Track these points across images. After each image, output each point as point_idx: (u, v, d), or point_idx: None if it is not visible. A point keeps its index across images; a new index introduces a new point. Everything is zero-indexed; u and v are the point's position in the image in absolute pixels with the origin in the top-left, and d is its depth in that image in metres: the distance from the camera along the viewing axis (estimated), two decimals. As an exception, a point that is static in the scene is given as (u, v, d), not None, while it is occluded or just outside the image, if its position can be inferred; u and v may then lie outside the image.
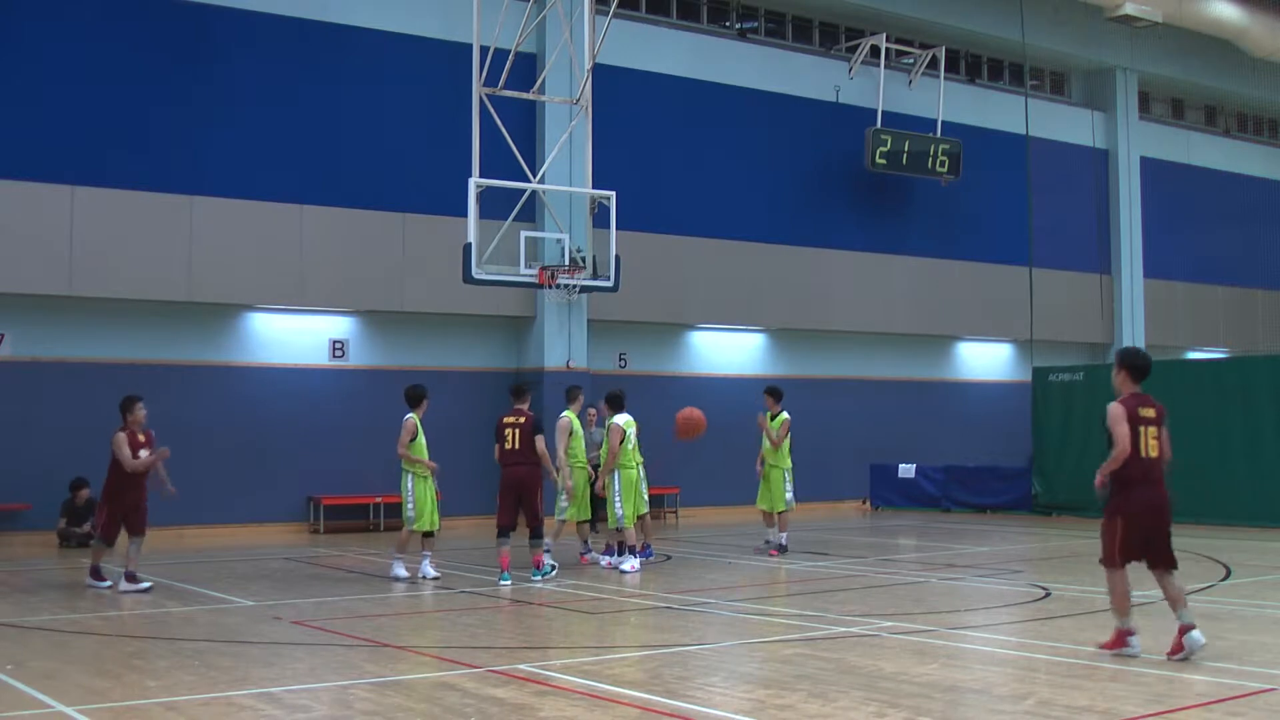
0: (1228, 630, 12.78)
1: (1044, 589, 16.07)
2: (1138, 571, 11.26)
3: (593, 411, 20.25)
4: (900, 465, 30.43)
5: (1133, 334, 36.33)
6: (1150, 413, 11.22)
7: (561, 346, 26.81)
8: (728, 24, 30.74)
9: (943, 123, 32.39)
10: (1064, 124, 36.05)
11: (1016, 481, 29.04)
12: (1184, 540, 21.70)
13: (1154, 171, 37.50)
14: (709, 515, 28.52)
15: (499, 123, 23.54)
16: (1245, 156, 40.68)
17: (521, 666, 10.44)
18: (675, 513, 28.70)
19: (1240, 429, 25.62)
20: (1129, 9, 32.91)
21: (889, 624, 12.90)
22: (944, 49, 32.63)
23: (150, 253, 23.71)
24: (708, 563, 19.71)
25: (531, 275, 23.62)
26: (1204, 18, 34.95)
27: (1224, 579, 17.12)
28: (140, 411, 16.68)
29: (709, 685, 10.00)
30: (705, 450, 28.31)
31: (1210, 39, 35.93)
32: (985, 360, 34.74)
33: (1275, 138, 42.25)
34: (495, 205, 23.72)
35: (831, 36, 32.36)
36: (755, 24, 31.26)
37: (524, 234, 24.09)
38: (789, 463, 20.64)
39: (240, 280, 24.56)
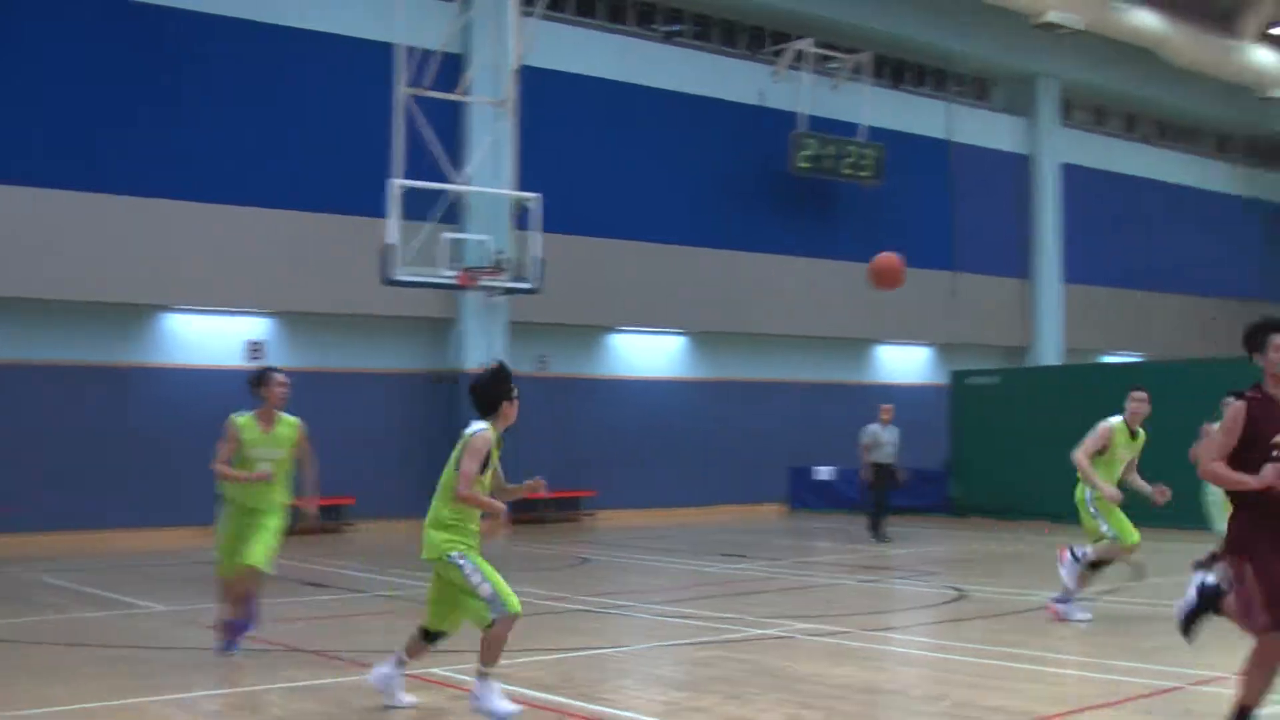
0: (1138, 630, 12.92)
1: (960, 591, 16.16)
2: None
3: None
4: (819, 468, 30.54)
5: (1051, 338, 36.65)
6: None
7: (482, 348, 26.69)
8: (654, 26, 30.74)
9: (867, 127, 32.52)
10: (987, 130, 36.32)
11: (935, 484, 29.23)
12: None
13: (1075, 178, 37.83)
14: (627, 518, 28.51)
15: (423, 124, 23.45)
16: (1165, 164, 41.12)
17: (435, 670, 10.37)
18: (593, 515, 28.63)
19: (1154, 433, 25.82)
20: (1052, 16, 33.20)
21: (805, 626, 12.93)
22: (869, 54, 32.78)
23: (63, 252, 23.35)
24: (625, 565, 19.69)
25: (453, 277, 23.57)
26: (1125, 26, 35.30)
27: (1134, 579, 17.25)
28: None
29: (623, 688, 9.98)
30: (622, 453, 28.34)
31: (1132, 47, 36.28)
32: (905, 363, 34.93)
33: (1193, 145, 42.72)
34: (419, 206, 23.65)
35: (757, 40, 32.42)
36: (681, 27, 31.27)
37: (446, 236, 24.03)
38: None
39: (156, 280, 24.25)
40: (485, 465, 8.66)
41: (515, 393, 8.94)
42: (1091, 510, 13.84)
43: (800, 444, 31.27)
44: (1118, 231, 38.97)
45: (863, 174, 32.14)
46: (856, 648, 11.79)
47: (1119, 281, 38.91)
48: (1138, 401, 13.74)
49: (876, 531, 23.32)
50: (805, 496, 30.86)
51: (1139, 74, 37.70)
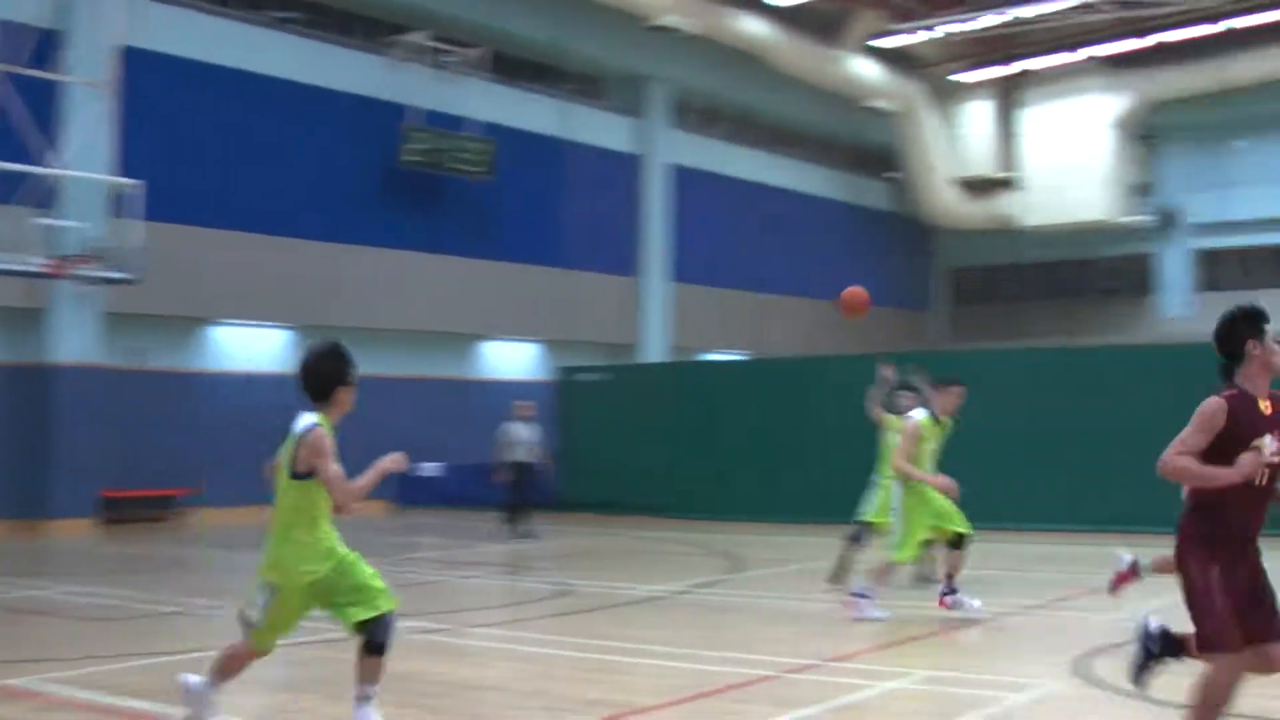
0: (738, 621, 13.24)
1: (565, 585, 16.27)
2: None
3: None
4: (426, 464, 30.34)
5: (656, 336, 37.35)
6: None
7: (75, 340, 25.49)
8: (266, 12, 29.90)
9: (480, 122, 32.47)
10: (599, 129, 36.72)
11: (544, 480, 29.39)
12: (696, 536, 22.57)
13: (684, 179, 38.62)
14: (232, 516, 27.65)
15: (15, 102, 22.31)
16: (771, 168, 42.33)
17: (14, 681, 9.81)
18: (193, 513, 27.63)
19: (756, 429, 26.67)
20: (666, 19, 33.85)
21: (409, 623, 12.73)
22: (484, 49, 32.73)
23: None
24: (226, 565, 19.17)
25: (43, 265, 22.51)
26: (735, 32, 36.27)
27: (733, 572, 17.74)
28: None
29: (223, 690, 9.64)
30: (226, 449, 27.51)
31: (741, 53, 37.25)
32: (513, 359, 35.02)
33: (799, 151, 44.04)
34: (8, 190, 22.46)
35: (372, 30, 31.95)
36: (295, 14, 30.53)
37: (37, 221, 22.92)
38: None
39: None
40: None
41: (353, 376, 7.84)
42: (893, 512, 13.32)
43: (409, 440, 30.80)
44: (725, 233, 39.98)
45: (474, 169, 32.06)
46: (459, 644, 11.74)
47: (725, 282, 39.92)
48: (959, 397, 13.43)
49: (516, 527, 23.28)
50: (413, 493, 30.58)
51: (748, 80, 38.75)
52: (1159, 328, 42.44)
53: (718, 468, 26.70)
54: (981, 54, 42.06)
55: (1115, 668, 10.26)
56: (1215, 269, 43.54)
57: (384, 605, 7.69)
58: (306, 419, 7.64)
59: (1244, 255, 43.11)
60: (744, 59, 37.48)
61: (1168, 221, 43.54)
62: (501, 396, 27.45)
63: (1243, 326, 6.76)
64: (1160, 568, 11.06)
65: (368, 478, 7.56)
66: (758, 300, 40.94)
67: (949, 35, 39.38)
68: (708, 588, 16.03)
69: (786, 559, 19.62)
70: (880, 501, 15.10)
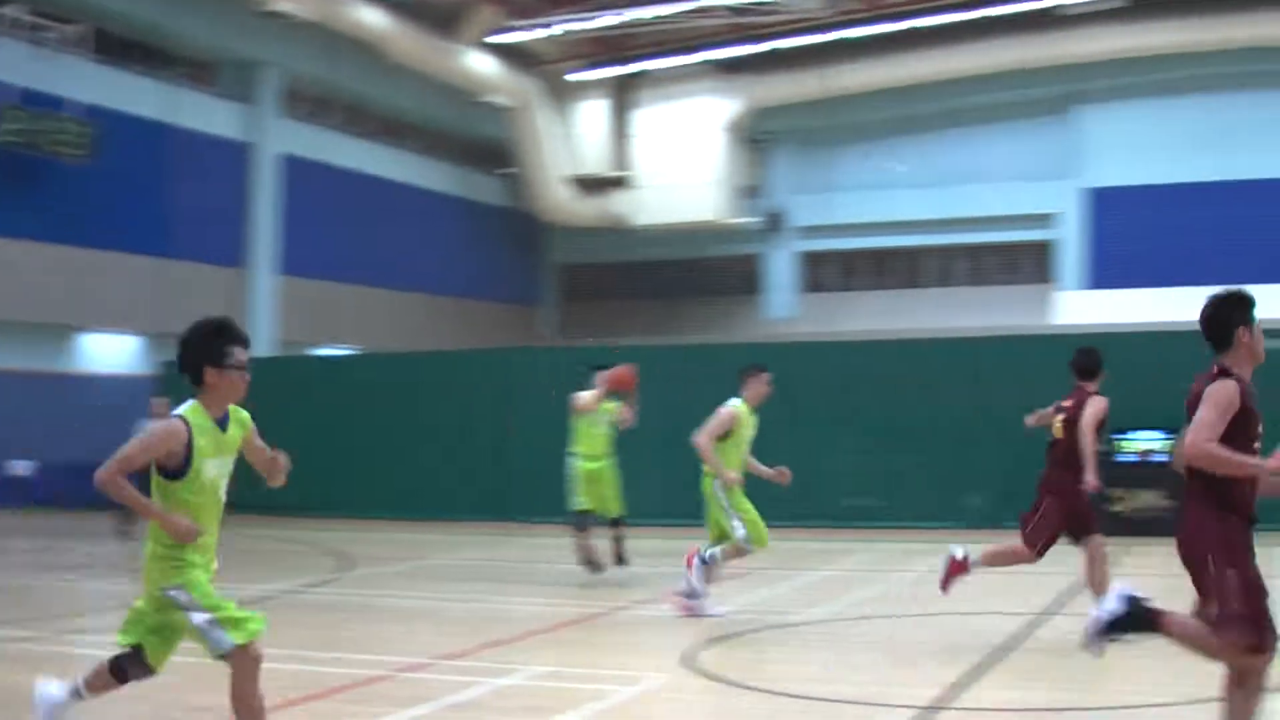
0: (348, 621, 13.00)
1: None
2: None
3: None
4: (12, 462, 28.83)
5: (264, 329, 36.46)
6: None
7: None
8: None
9: (80, 103, 31.02)
10: (207, 115, 35.59)
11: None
12: (304, 534, 22.14)
13: (295, 169, 37.79)
14: None
15: None
16: (384, 160, 41.87)
17: None
18: None
19: (365, 425, 26.31)
20: (279, 5, 33.16)
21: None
22: (86, 25, 31.32)
23: None
24: None
25: None
26: (352, 20, 35.84)
27: (343, 570, 17.45)
28: None
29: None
30: None
31: (357, 42, 36.76)
32: (111, 352, 33.63)
33: (412, 143, 43.71)
34: None
35: (-41, 2, 30.19)
36: None
37: None
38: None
39: None
40: (187, 464, 6.55)
41: (233, 358, 6.62)
42: (725, 505, 12.69)
43: (-2, 436, 29.37)
44: (335, 225, 39.35)
45: (73, 152, 30.56)
46: (47, 651, 11.08)
47: (334, 275, 39.30)
48: (768, 385, 12.95)
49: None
50: (-1, 493, 29.03)
51: (363, 69, 38.28)
52: (764, 327, 43.84)
53: (326, 464, 26.17)
54: (598, 53, 42.71)
55: (723, 659, 10.48)
56: (818, 271, 45.33)
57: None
58: (181, 407, 6.71)
59: (845, 258, 45.05)
60: (359, 48, 37.05)
61: (774, 224, 45.08)
62: (99, 392, 26.23)
63: (1234, 313, 6.63)
64: (990, 561, 11.47)
65: (142, 501, 6.54)
66: (367, 294, 40.47)
67: (566, 34, 39.87)
68: (317, 587, 15.69)
69: (396, 557, 19.41)
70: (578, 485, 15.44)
